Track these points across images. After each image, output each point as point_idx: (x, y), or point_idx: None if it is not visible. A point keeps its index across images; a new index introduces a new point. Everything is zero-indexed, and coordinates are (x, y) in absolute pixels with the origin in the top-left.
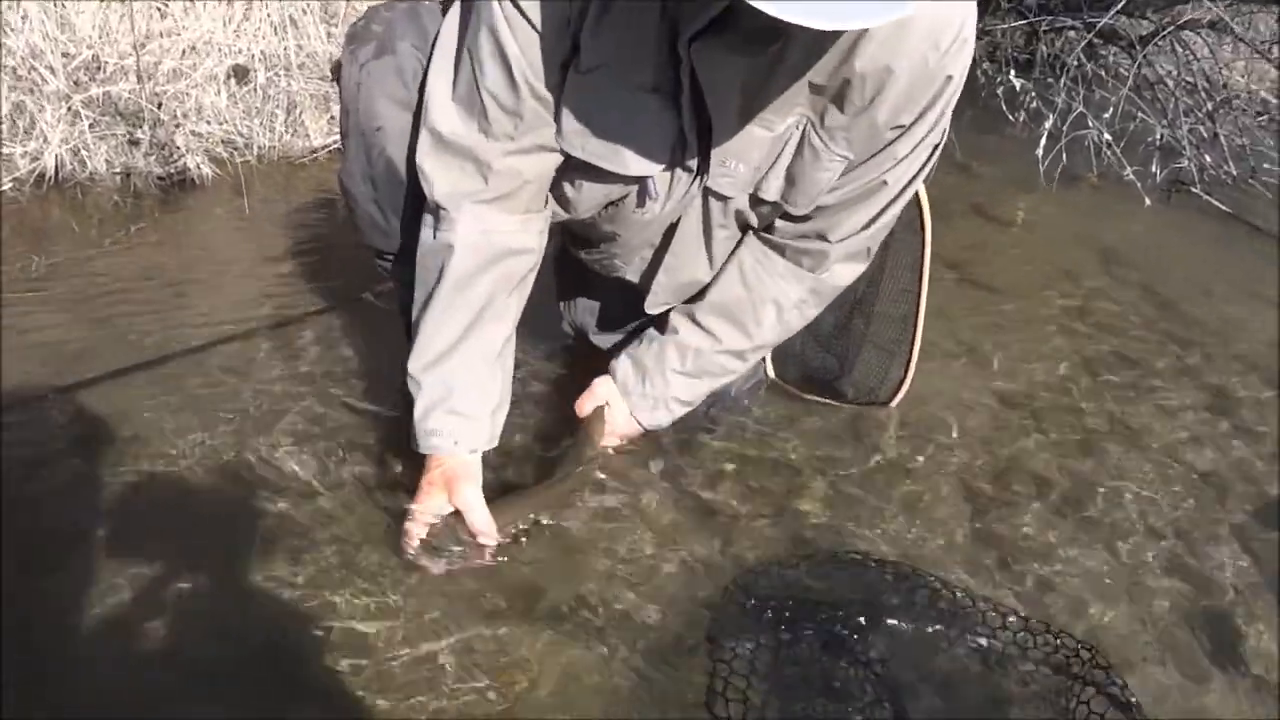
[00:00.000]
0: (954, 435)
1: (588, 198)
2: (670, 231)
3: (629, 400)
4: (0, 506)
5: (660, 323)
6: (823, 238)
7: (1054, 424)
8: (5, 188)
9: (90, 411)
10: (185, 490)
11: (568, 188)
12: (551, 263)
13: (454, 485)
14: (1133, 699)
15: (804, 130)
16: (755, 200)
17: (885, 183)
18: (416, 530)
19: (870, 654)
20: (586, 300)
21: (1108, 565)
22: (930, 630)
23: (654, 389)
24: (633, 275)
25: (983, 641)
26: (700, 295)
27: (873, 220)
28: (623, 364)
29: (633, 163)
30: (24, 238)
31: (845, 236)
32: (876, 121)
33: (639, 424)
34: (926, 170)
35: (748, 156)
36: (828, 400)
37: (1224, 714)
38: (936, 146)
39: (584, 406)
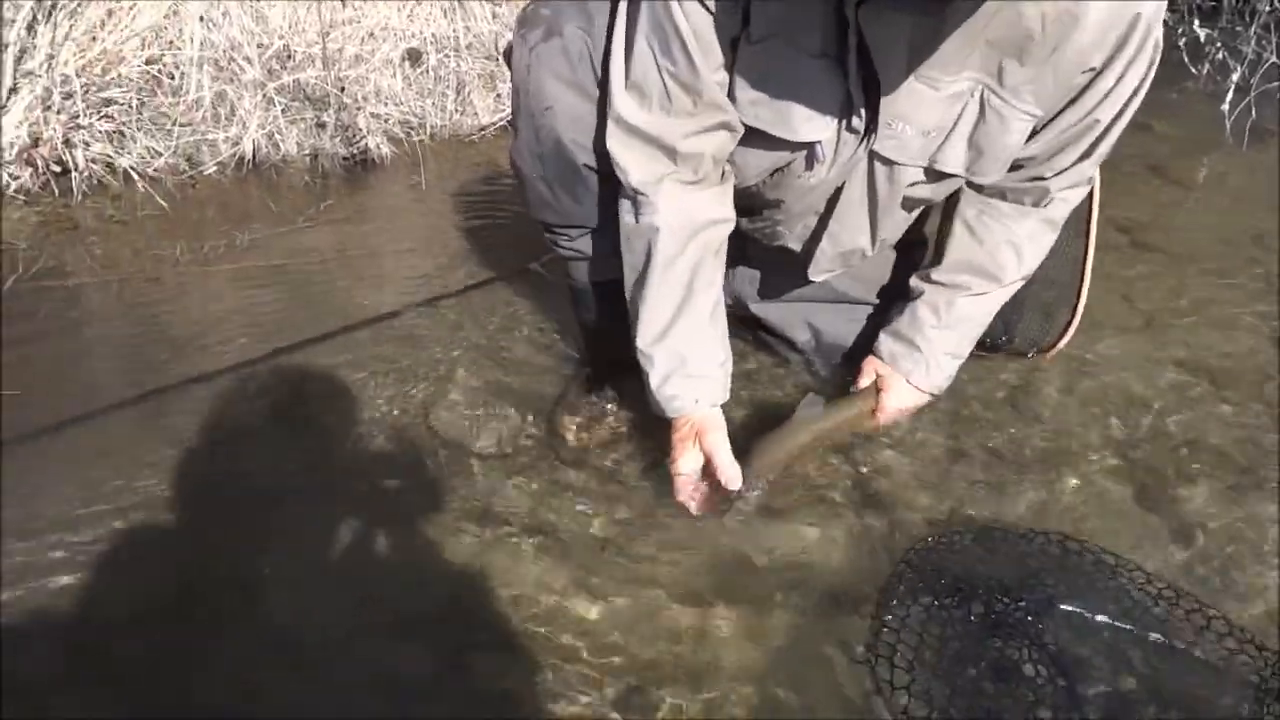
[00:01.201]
0: (1128, 406)
1: (755, 165)
2: (834, 198)
3: (901, 370)
4: None
5: (904, 294)
6: (1039, 179)
7: (1240, 396)
8: (210, 170)
9: (290, 377)
10: (376, 452)
11: (736, 155)
12: None
13: (702, 435)
14: None
15: (982, 95)
16: (935, 175)
17: (1097, 120)
18: (684, 484)
19: (1044, 634)
20: (746, 269)
21: None
22: (1109, 617)
23: (920, 352)
24: (795, 243)
25: (1159, 634)
26: (937, 259)
27: (1089, 152)
28: (883, 341)
29: (802, 128)
30: (227, 216)
31: (1061, 171)
32: (1062, 69)
33: (920, 390)
34: (1140, 94)
35: (916, 118)
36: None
37: None
38: (1151, 64)
39: (857, 388)
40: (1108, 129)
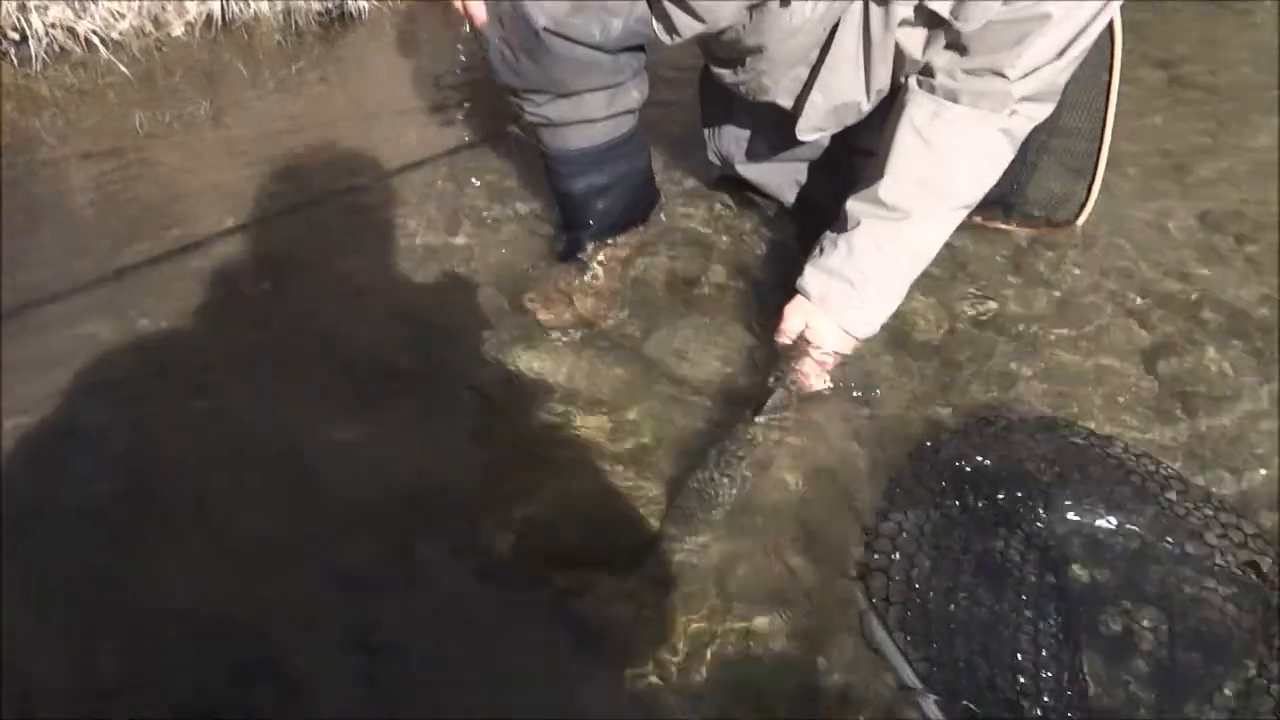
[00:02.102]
0: (1141, 264)
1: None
2: (826, 47)
3: (831, 310)
4: None
5: (838, 223)
6: (999, 74)
7: (1263, 249)
8: (177, 33)
9: (259, 252)
10: (343, 330)
11: None
12: (696, 90)
13: None
14: None
15: None
16: (924, 16)
17: (1049, 15)
18: None
19: (1039, 528)
20: (733, 129)
21: None
22: (1109, 514)
23: (855, 289)
24: (784, 98)
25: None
26: (880, 174)
27: (1058, 55)
28: (811, 278)
29: None
30: (197, 82)
31: (1025, 73)
32: None
33: (852, 335)
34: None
35: None
36: (998, 225)
37: None
38: None
39: (784, 340)
40: (1068, 35)
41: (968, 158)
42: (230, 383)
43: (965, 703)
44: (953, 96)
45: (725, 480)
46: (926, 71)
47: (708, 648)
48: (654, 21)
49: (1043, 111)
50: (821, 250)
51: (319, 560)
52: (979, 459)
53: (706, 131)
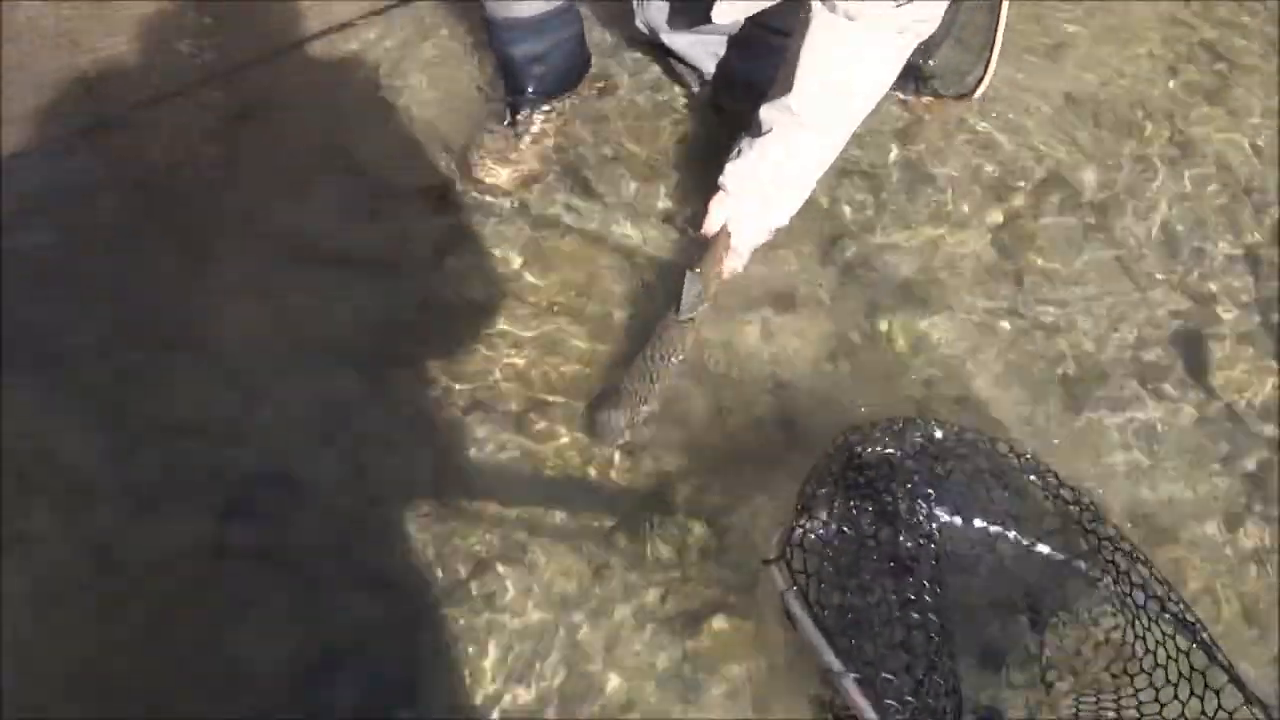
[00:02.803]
0: (1004, 138)
1: None
2: None
3: (747, 210)
4: None
5: (752, 126)
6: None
7: (1111, 133)
8: None
9: (225, 104)
10: (301, 189)
11: None
12: None
13: None
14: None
15: None
16: None
17: None
18: None
19: (932, 527)
20: (659, 2)
21: (1113, 292)
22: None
23: (770, 189)
24: None
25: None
26: (786, 89)
27: None
28: (731, 177)
29: None
30: None
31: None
32: None
33: (766, 229)
34: None
35: None
36: (900, 96)
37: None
38: None
39: (709, 229)
40: None
41: (864, 72)
42: (202, 241)
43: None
44: (849, 16)
45: (649, 388)
46: None
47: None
48: None
49: (929, 29)
50: (739, 152)
51: (306, 384)
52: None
53: (634, 2)
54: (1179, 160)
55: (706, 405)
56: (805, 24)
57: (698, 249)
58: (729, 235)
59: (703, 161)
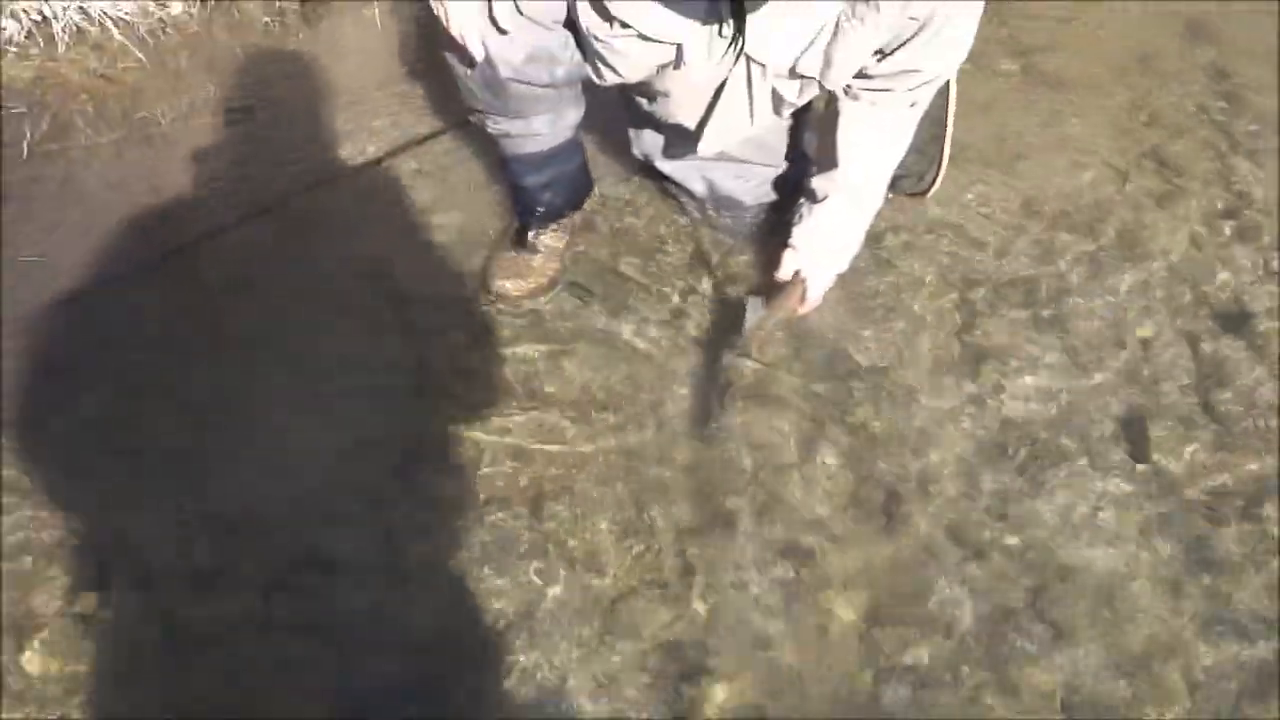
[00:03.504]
0: (960, 246)
1: (637, 58)
2: (719, 91)
3: (819, 264)
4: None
5: (809, 194)
6: (895, 90)
7: (1069, 234)
8: (176, 10)
9: (264, 235)
10: (332, 305)
11: (622, 51)
12: (619, 97)
13: None
14: None
15: (839, 16)
16: (795, 75)
17: (919, 70)
18: None
19: None
20: (651, 133)
21: (1065, 383)
22: None
23: (832, 244)
24: (687, 122)
25: None
26: (833, 164)
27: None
28: (799, 238)
29: (663, 28)
30: (200, 66)
31: (913, 88)
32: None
33: (835, 274)
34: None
35: (782, 24)
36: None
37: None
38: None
39: (783, 275)
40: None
41: (891, 142)
42: (251, 356)
43: None
44: (871, 100)
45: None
46: (847, 88)
47: None
48: (588, 68)
49: (928, 99)
50: (801, 217)
51: (343, 478)
52: None
53: (631, 133)
54: (1128, 259)
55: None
56: (832, 114)
57: (767, 288)
58: (803, 282)
59: (694, 269)
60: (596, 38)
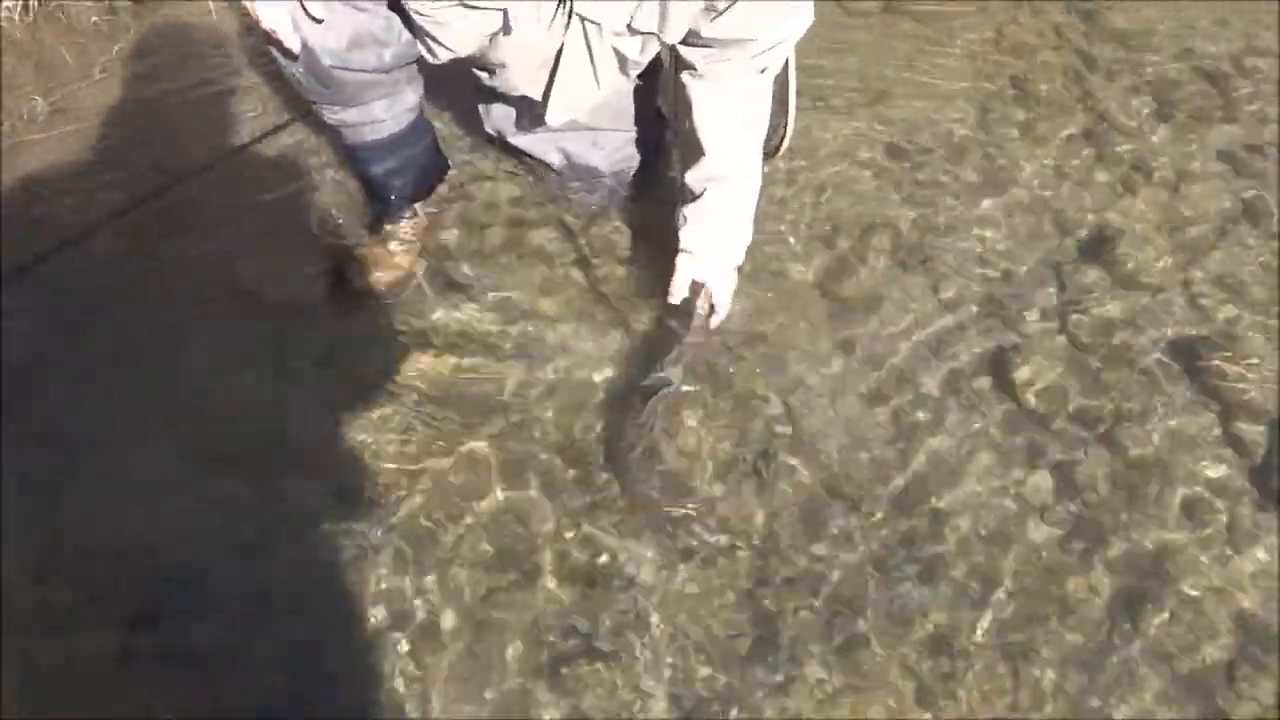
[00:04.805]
0: (824, 195)
1: (461, 33)
2: (559, 57)
3: (715, 264)
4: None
5: (687, 194)
6: (741, 55)
7: (934, 172)
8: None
9: (111, 249)
10: (180, 307)
11: (446, 24)
12: (468, 75)
13: None
14: None
15: None
16: (634, 31)
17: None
18: None
19: None
20: (502, 107)
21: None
22: None
23: (724, 235)
24: (532, 93)
25: None
26: (700, 153)
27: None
28: (689, 239)
29: None
30: (29, 74)
31: (756, 54)
32: None
33: (736, 267)
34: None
35: None
36: None
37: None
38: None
39: (679, 290)
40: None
41: (750, 113)
42: (103, 367)
43: None
44: (718, 78)
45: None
46: (689, 67)
47: None
48: (419, 44)
49: (780, 60)
50: (685, 219)
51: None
52: None
53: (480, 110)
54: (992, 192)
55: None
56: (685, 100)
57: (673, 314)
58: (707, 291)
59: (560, 244)
60: (419, 12)
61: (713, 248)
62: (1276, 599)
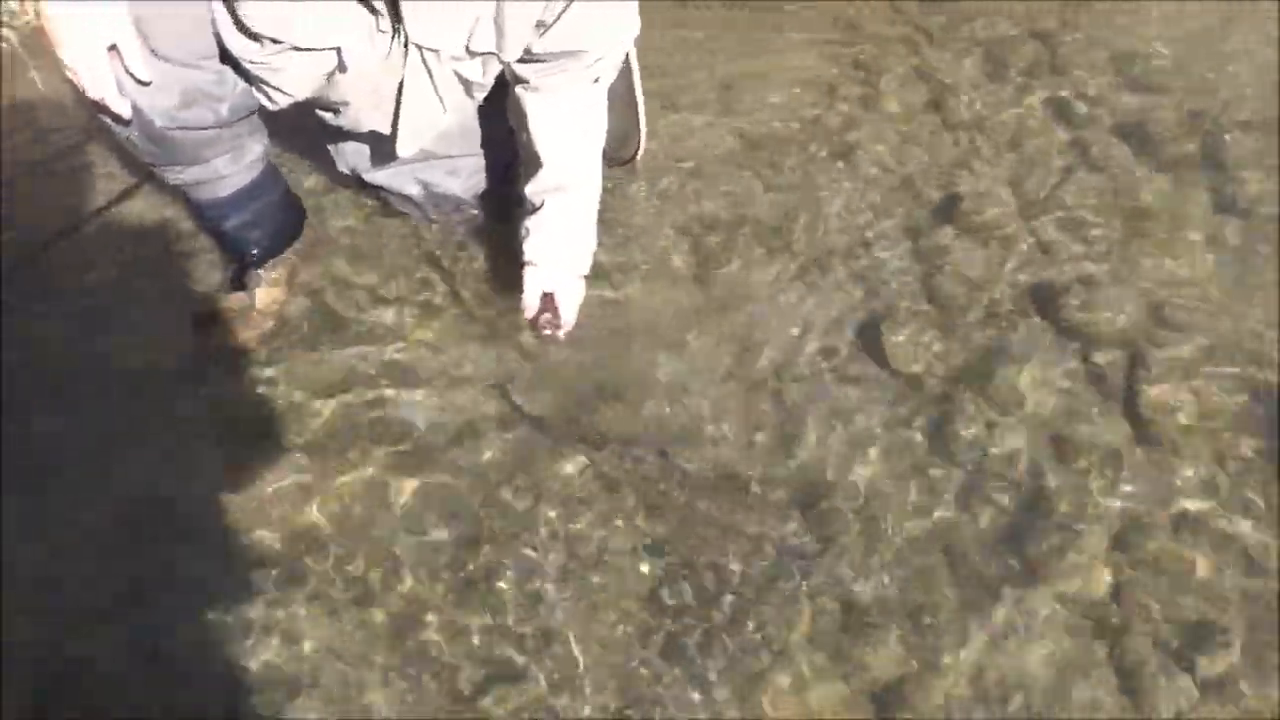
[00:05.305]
0: (687, 196)
1: (297, 76)
2: (401, 87)
3: (563, 273)
4: None
5: (528, 205)
6: (571, 67)
7: (787, 158)
8: None
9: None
10: (35, 382)
11: (282, 70)
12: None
13: None
14: None
15: None
16: (472, 53)
17: (586, 50)
18: None
19: None
20: (353, 144)
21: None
22: None
23: (568, 244)
24: (380, 127)
25: None
26: (538, 166)
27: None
28: (534, 251)
29: (314, 35)
30: None
31: (589, 65)
32: None
33: (580, 276)
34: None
35: (442, 6)
36: None
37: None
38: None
39: (531, 302)
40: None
41: (587, 123)
42: None
43: None
44: (551, 89)
45: None
46: (523, 81)
47: None
48: (257, 93)
49: (615, 69)
50: (528, 231)
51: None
52: None
53: (330, 150)
54: (844, 170)
55: None
56: (521, 113)
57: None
58: (553, 301)
59: (427, 276)
60: (251, 61)
61: (555, 259)
62: (1146, 521)
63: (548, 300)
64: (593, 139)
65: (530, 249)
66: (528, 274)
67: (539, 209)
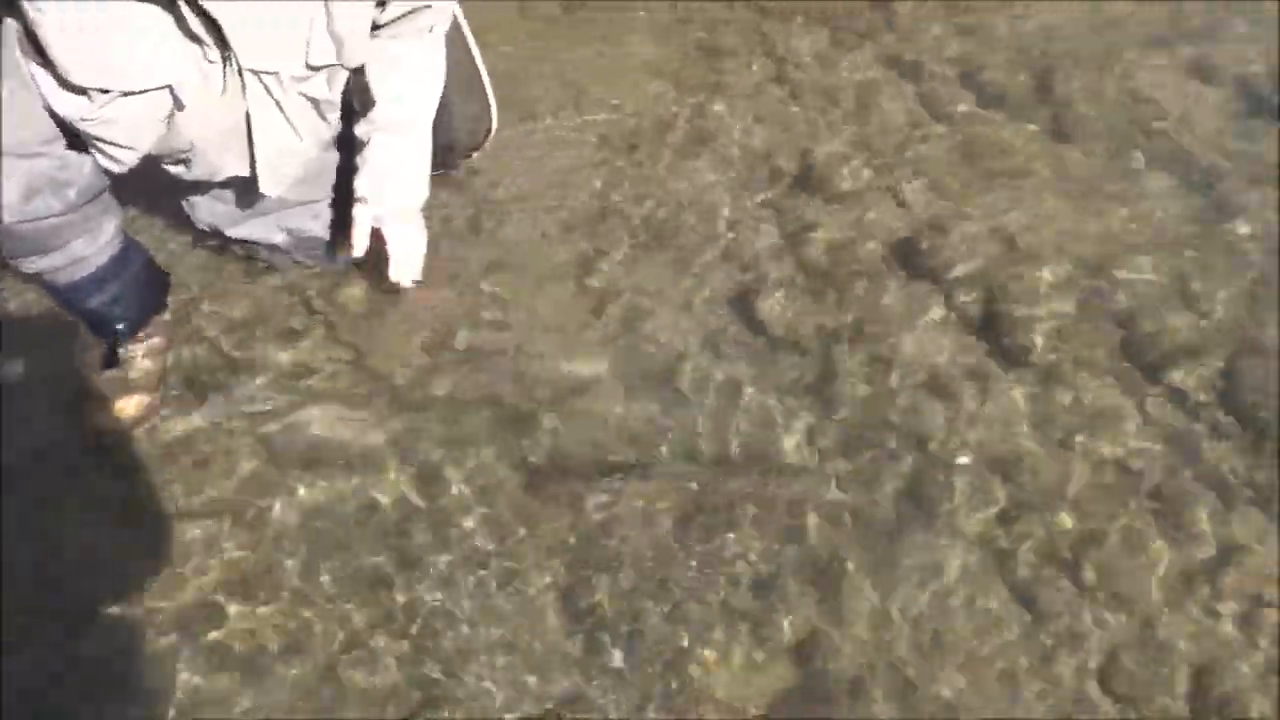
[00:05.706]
0: (553, 199)
1: (133, 125)
2: (249, 119)
3: (395, 207)
4: None
5: (357, 145)
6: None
7: (643, 151)
8: None
9: None
10: None
11: (109, 125)
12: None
13: None
14: None
15: None
16: (314, 69)
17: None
18: None
19: None
20: (208, 200)
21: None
22: None
23: (397, 175)
24: (237, 169)
25: None
26: (371, 102)
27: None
28: (365, 187)
29: (142, 73)
30: None
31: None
32: None
33: (417, 212)
34: None
35: (269, 26)
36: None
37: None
38: None
39: (361, 237)
40: None
41: (423, 68)
42: None
43: None
44: (390, 35)
45: None
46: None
47: None
48: (99, 157)
49: (446, 22)
50: (357, 168)
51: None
52: None
53: (185, 207)
54: (704, 154)
55: None
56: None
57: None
58: (382, 240)
59: (303, 320)
60: (84, 119)
61: (381, 194)
62: (1028, 444)
63: (377, 238)
64: (426, 85)
65: (359, 184)
66: (356, 210)
67: (366, 144)
